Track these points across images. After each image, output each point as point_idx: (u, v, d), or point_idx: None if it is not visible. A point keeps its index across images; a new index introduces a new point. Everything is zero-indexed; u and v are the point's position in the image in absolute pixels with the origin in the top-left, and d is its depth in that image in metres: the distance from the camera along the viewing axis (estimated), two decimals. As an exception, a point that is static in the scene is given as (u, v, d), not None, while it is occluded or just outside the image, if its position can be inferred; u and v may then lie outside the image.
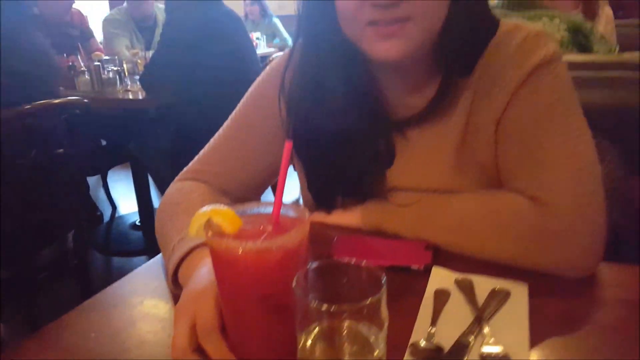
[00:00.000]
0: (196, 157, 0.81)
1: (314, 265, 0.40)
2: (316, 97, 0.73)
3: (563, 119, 0.65)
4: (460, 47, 0.67)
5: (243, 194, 0.80)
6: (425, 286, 0.61)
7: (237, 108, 0.82)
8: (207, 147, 0.81)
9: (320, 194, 0.81)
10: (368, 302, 0.36)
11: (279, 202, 0.44)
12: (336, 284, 0.40)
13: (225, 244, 0.40)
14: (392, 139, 0.76)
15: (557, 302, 0.59)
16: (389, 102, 0.75)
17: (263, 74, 0.82)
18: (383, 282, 0.37)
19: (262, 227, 0.44)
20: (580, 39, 1.49)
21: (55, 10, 2.82)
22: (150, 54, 2.49)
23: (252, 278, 0.41)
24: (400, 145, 0.76)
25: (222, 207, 0.43)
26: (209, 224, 0.42)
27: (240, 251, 0.39)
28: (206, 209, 0.43)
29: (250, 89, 0.82)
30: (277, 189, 0.45)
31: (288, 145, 0.46)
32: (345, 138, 0.73)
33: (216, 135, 0.82)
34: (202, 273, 0.52)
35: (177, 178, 0.80)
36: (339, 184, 0.78)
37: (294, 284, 0.37)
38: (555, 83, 0.66)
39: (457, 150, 0.72)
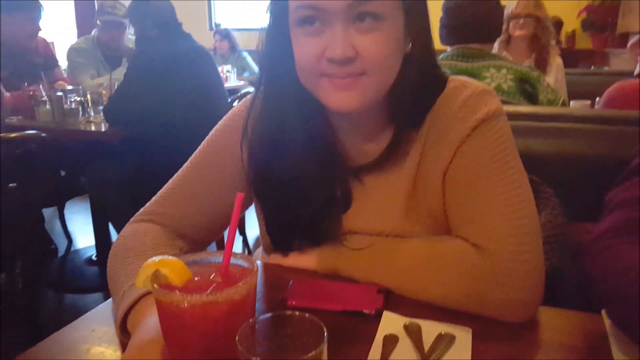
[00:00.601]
0: (153, 198, 0.81)
1: (257, 318, 0.41)
2: (276, 143, 0.75)
3: (503, 171, 0.69)
4: (411, 100, 0.72)
5: (200, 237, 0.80)
6: (376, 331, 0.62)
7: (197, 151, 0.82)
8: (164, 188, 0.81)
9: (277, 236, 0.82)
10: (309, 356, 0.37)
11: (228, 253, 0.45)
12: (280, 335, 0.41)
13: (170, 298, 0.41)
14: (349, 185, 0.79)
15: (499, 345, 0.61)
16: (345, 149, 0.78)
17: (225, 119, 0.83)
18: (324, 335, 0.39)
19: (211, 277, 0.45)
20: (526, 88, 1.59)
21: (19, 37, 2.75)
22: (116, 83, 2.47)
23: (198, 331, 0.41)
24: (356, 191, 0.79)
25: (171, 258, 0.44)
26: (156, 276, 0.42)
27: (186, 304, 0.40)
28: (154, 259, 0.43)
29: (211, 133, 0.83)
30: (227, 240, 0.46)
31: (239, 197, 0.47)
32: (303, 183, 0.75)
33: (174, 176, 0.82)
34: (150, 322, 0.51)
35: (132, 219, 0.79)
36: (297, 227, 0.79)
37: (237, 338, 0.38)
38: (497, 138, 0.71)
39: (409, 197, 0.76)
